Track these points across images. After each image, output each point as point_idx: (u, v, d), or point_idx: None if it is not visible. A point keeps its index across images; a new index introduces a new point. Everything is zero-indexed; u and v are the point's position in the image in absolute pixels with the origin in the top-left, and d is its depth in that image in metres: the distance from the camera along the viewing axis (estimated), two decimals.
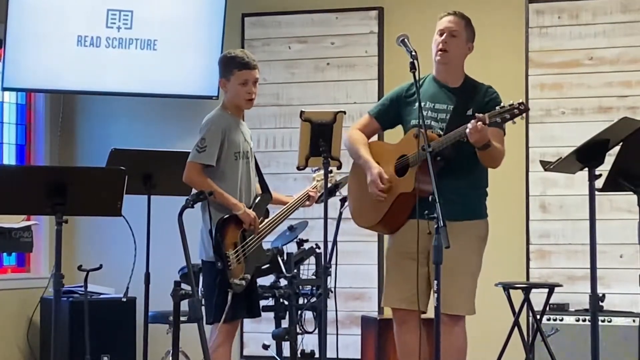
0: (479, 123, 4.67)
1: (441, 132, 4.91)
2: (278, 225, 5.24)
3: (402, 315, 5.06)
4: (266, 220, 5.14)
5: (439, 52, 5.04)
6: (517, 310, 6.12)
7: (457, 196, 4.84)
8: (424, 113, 5.01)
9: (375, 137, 5.35)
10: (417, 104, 4.99)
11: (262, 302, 5.65)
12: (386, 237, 5.34)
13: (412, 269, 4.94)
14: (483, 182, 5.12)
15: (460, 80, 5.09)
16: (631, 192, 4.79)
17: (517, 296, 6.13)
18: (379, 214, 5.04)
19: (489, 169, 5.09)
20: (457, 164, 4.87)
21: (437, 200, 4.27)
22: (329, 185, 5.10)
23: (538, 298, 6.20)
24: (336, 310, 5.73)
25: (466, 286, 4.90)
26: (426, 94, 5.03)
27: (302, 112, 4.97)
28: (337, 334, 5.62)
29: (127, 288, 5.98)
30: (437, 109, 5.01)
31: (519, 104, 4.67)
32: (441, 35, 5.04)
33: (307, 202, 5.36)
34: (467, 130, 4.70)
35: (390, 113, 5.20)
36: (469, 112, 4.83)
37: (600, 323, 5.17)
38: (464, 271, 4.85)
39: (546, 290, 6.19)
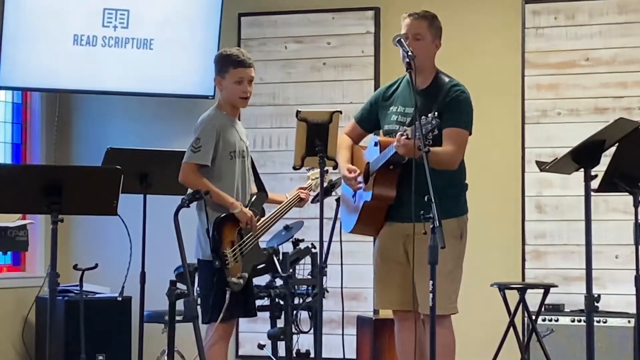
0: (403, 137, 4.65)
1: None
2: (273, 224, 5.24)
3: (400, 315, 5.08)
4: (262, 219, 5.14)
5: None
6: (512, 310, 6.12)
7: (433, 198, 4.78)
8: (395, 118, 5.03)
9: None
10: (391, 108, 5.07)
11: (258, 302, 5.65)
12: None
13: (396, 271, 5.00)
14: (453, 181, 5.01)
15: (430, 80, 5.03)
16: (627, 193, 4.80)
17: (513, 296, 6.14)
18: (354, 221, 5.09)
19: (466, 166, 5.05)
20: (420, 168, 4.79)
21: (433, 201, 4.27)
22: (325, 185, 5.10)
23: (533, 298, 6.20)
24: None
25: (441, 286, 4.77)
26: (399, 98, 5.05)
27: (298, 112, 4.97)
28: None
29: (123, 287, 5.98)
30: (406, 113, 4.96)
31: (432, 118, 4.54)
32: (405, 39, 4.94)
33: (300, 203, 5.37)
34: (394, 145, 4.71)
35: (372, 117, 5.21)
36: (432, 114, 4.64)
37: (595, 324, 5.16)
38: (438, 271, 4.73)
39: (542, 290, 6.19)
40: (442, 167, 4.82)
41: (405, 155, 4.73)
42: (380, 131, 5.20)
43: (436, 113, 4.61)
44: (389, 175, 4.92)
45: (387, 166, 4.88)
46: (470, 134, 4.98)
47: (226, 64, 5.08)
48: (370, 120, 5.22)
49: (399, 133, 4.72)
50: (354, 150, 5.22)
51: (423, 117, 4.56)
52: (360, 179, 5.00)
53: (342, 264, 5.37)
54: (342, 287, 5.48)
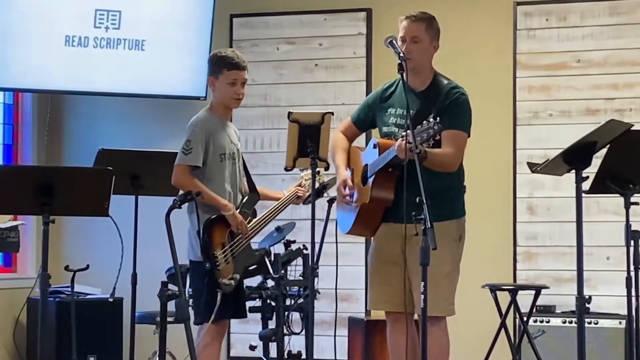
0: (404, 142, 4.63)
1: None
2: (266, 225, 5.23)
3: (393, 316, 5.08)
4: (254, 220, 5.14)
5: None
6: (503, 311, 6.13)
7: (425, 199, 4.78)
8: (394, 120, 5.03)
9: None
10: (389, 110, 5.07)
11: (250, 303, 5.65)
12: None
13: (391, 272, 4.99)
14: (453, 183, 5.03)
15: (428, 82, 5.03)
16: (618, 195, 4.80)
17: (504, 298, 6.14)
18: (351, 221, 5.09)
19: (465, 168, 5.06)
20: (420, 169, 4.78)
21: (425, 202, 4.27)
22: (317, 186, 5.10)
23: (525, 300, 6.21)
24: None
25: (440, 287, 4.83)
26: (397, 100, 5.05)
27: (290, 113, 4.97)
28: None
29: (114, 288, 5.97)
30: (405, 115, 4.92)
31: (434, 123, 4.55)
32: (403, 42, 4.95)
33: (297, 200, 5.37)
34: (395, 148, 4.71)
35: (368, 117, 5.22)
36: (431, 116, 4.67)
37: (586, 325, 5.16)
38: (437, 272, 4.71)
39: (533, 292, 6.20)
40: (442, 169, 4.84)
41: (406, 158, 4.71)
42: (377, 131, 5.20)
43: (438, 118, 4.60)
44: (387, 178, 4.91)
45: (386, 169, 4.87)
46: (469, 136, 4.99)
47: (220, 65, 5.08)
48: (366, 120, 5.23)
49: (400, 138, 4.71)
50: (350, 151, 5.22)
51: (425, 121, 4.56)
52: (355, 196, 5.02)
53: (337, 265, 5.38)
54: (336, 289, 5.48)
